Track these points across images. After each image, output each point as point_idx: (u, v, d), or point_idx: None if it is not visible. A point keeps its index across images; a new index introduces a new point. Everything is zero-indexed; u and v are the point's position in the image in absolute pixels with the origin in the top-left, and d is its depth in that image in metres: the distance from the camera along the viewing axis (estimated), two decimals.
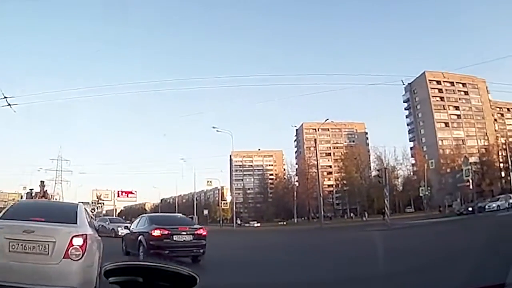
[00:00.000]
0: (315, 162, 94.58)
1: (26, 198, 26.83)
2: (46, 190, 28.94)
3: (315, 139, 61.71)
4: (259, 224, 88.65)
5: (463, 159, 51.02)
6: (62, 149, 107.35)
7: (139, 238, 14.47)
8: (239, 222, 73.85)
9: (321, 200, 54.64)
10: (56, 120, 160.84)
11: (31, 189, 28.79)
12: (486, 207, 44.82)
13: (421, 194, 62.76)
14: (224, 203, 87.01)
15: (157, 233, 13.68)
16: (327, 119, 61.06)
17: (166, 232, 13.72)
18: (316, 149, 61.87)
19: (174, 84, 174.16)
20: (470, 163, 63.43)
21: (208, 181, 79.54)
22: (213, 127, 65.82)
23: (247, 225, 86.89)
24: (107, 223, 31.53)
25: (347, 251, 18.74)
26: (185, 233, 14.14)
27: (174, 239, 13.77)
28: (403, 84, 35.84)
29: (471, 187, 54.93)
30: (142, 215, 18.84)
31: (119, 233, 26.18)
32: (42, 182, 28.56)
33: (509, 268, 3.60)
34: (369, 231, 32.68)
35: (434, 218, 47.15)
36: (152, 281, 1.90)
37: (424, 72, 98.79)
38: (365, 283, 8.96)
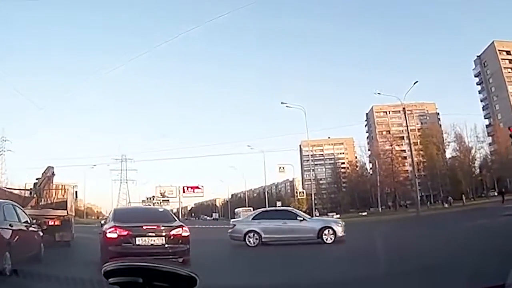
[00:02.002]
0: (390, 147, 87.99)
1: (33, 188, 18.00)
2: (51, 178, 20.09)
3: (403, 109, 48.95)
4: (338, 216, 77.49)
5: None
6: (122, 145, 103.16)
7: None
8: (317, 214, 63.50)
9: (417, 184, 48.56)
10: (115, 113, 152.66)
11: (37, 179, 20.49)
12: None
13: None
14: (300, 193, 77.27)
15: (112, 234, 9.70)
16: (416, 82, 46.99)
17: (125, 233, 9.71)
18: (407, 127, 51.94)
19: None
20: None
21: (280, 167, 68.06)
22: (282, 103, 53.48)
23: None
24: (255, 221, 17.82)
25: None
26: (153, 234, 10.02)
27: (137, 243, 9.76)
28: None
29: None
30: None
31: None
32: (48, 168, 19.71)
33: (509, 268, 3.45)
34: None
35: None
36: (151, 281, 1.82)
37: (493, 42, 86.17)
38: None
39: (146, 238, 9.93)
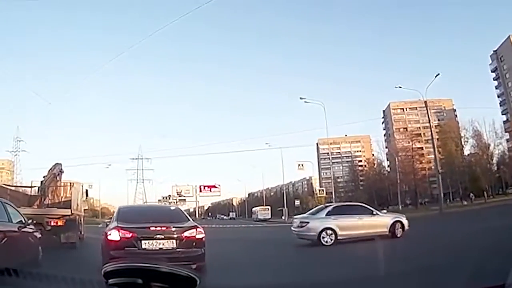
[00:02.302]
0: (409, 144, 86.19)
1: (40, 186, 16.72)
2: (57, 175, 18.84)
3: (425, 102, 46.25)
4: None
5: None
6: (139, 144, 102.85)
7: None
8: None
9: (440, 181, 47.59)
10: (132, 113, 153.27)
11: (44, 176, 19.29)
12: None
13: None
14: (320, 191, 75.53)
15: (114, 236, 8.14)
16: (438, 74, 44.73)
17: (129, 235, 8.11)
18: (429, 122, 50.88)
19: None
20: None
21: (299, 164, 65.15)
22: (301, 98, 50.62)
23: None
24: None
25: None
26: (162, 236, 8.26)
27: (143, 246, 8.10)
28: None
29: None
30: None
31: None
32: (55, 165, 18.22)
33: (510, 268, 3.38)
34: None
35: None
36: (151, 282, 1.84)
37: (509, 36, 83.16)
38: None
39: (154, 241, 8.36)
